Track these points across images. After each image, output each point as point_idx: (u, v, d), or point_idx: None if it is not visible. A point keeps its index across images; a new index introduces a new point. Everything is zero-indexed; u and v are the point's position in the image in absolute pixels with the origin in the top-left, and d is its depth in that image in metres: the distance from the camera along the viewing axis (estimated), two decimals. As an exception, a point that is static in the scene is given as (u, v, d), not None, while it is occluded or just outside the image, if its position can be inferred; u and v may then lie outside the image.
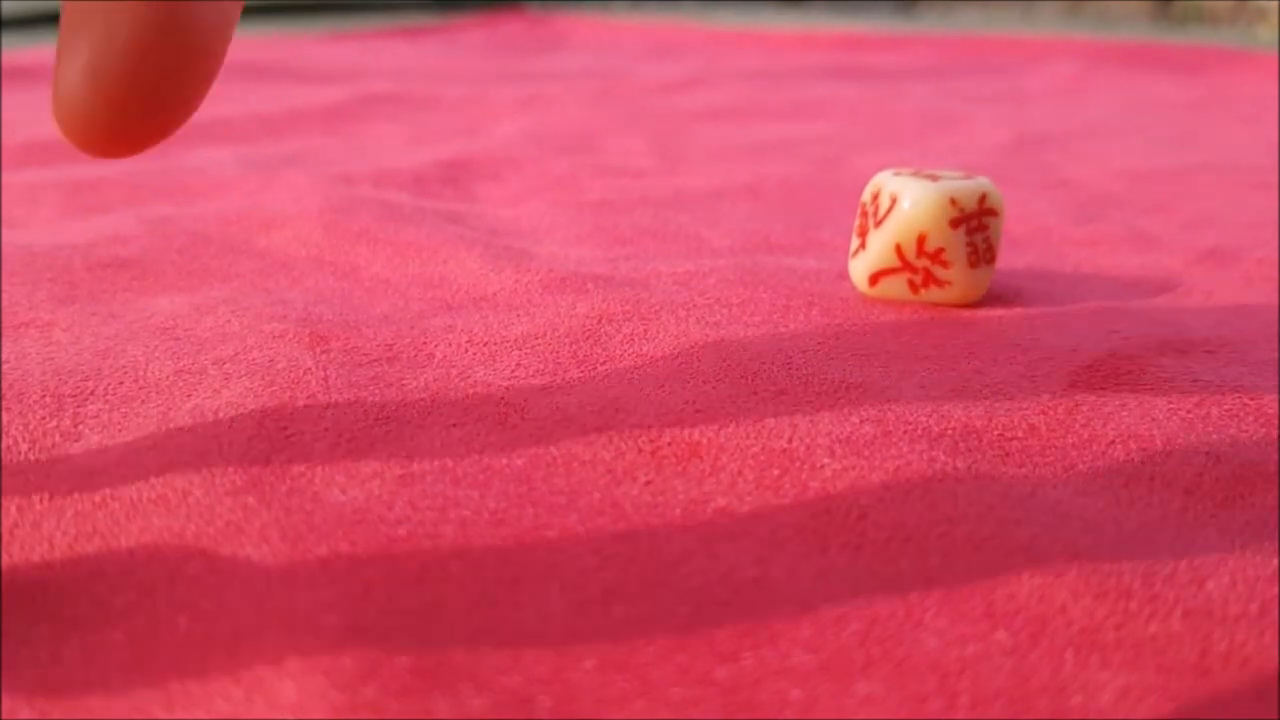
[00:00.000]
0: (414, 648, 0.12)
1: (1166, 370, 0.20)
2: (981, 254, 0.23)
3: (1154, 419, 0.18)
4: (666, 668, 0.12)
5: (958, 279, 0.23)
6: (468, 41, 0.89)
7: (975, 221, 0.23)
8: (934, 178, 0.23)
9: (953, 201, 0.23)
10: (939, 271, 0.23)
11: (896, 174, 0.24)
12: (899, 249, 0.23)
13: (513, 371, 0.20)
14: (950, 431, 0.17)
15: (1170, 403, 0.18)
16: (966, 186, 0.23)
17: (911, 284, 0.23)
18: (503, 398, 0.19)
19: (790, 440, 0.17)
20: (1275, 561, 0.14)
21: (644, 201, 0.34)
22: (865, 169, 0.40)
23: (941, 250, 0.23)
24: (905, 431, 0.17)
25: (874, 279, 0.24)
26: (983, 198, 0.23)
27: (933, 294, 0.24)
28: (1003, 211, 0.23)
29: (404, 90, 0.57)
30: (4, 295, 0.24)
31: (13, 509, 0.15)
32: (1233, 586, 0.13)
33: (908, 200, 0.23)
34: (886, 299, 0.24)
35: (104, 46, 0.13)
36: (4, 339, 0.21)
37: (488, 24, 1.03)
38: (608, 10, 1.21)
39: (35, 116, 0.48)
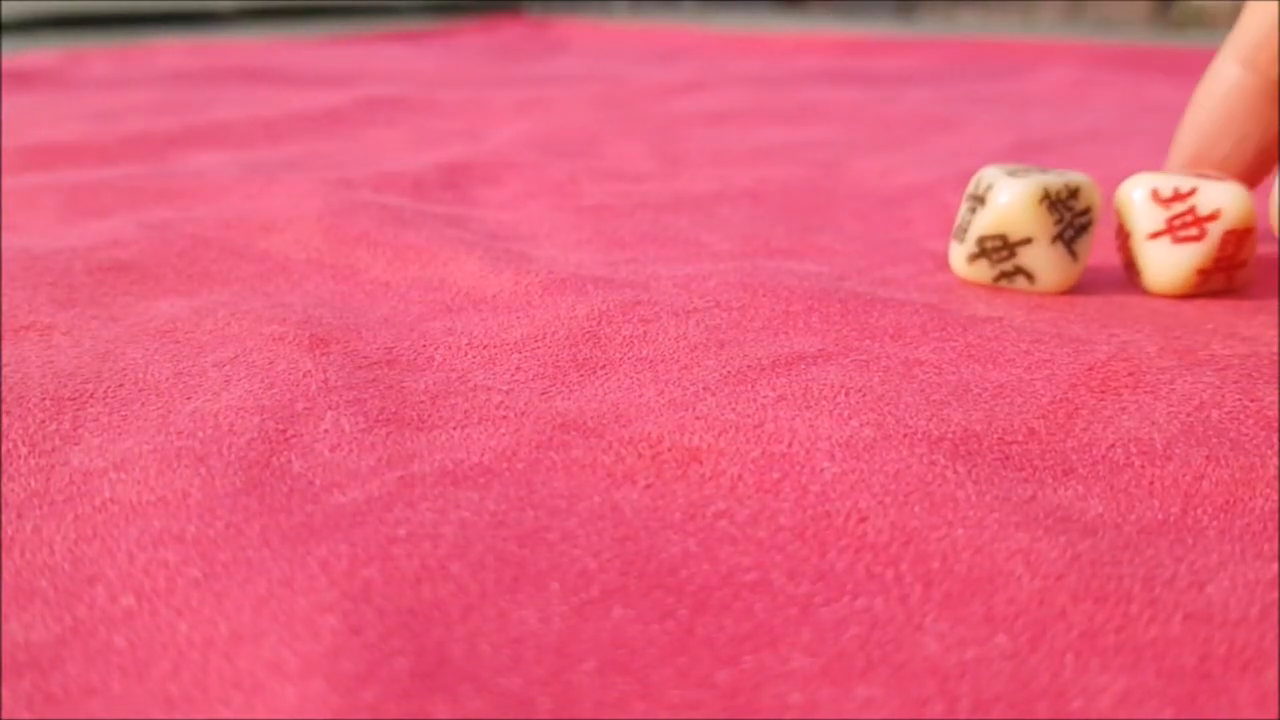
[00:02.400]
0: (413, 650, 0.12)
1: (1167, 373, 0.20)
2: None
3: (1154, 422, 0.18)
4: (666, 670, 0.12)
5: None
6: (467, 46, 0.89)
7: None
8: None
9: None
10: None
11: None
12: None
13: (512, 375, 0.20)
14: (950, 435, 0.17)
15: (1170, 406, 0.18)
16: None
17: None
18: (502, 401, 0.19)
19: (790, 444, 0.17)
20: (1275, 566, 0.14)
21: (643, 205, 0.34)
22: (865, 173, 0.40)
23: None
24: (905, 435, 0.17)
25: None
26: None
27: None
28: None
29: (404, 94, 0.57)
30: (4, 299, 0.24)
31: (13, 512, 0.15)
32: (1233, 590, 0.13)
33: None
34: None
35: None
36: (4, 342, 0.21)
37: (487, 28, 1.03)
38: (607, 14, 1.21)
39: (35, 121, 0.48)
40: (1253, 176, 0.27)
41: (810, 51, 0.88)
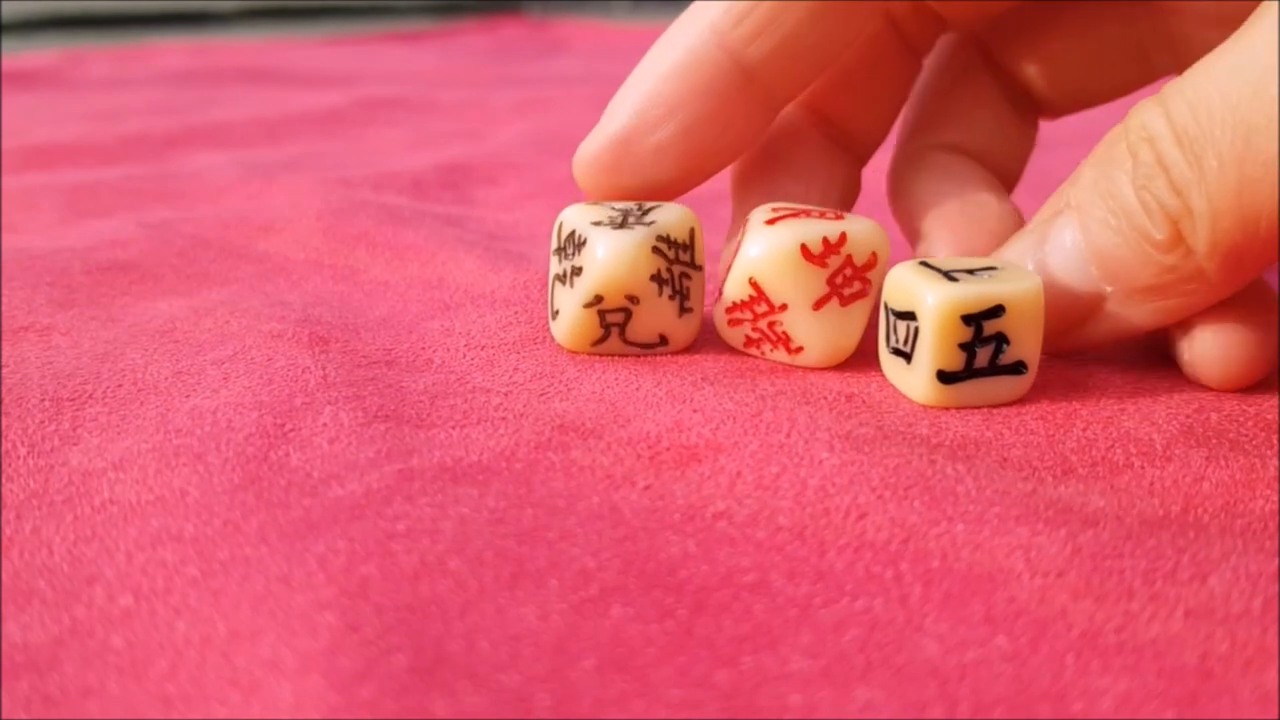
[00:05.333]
0: (411, 646, 0.12)
1: (1166, 376, 0.20)
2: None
3: (1154, 423, 0.18)
4: (666, 669, 0.12)
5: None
6: (467, 46, 0.89)
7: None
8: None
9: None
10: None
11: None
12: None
13: (510, 376, 0.20)
14: (949, 441, 0.17)
15: (1170, 409, 0.18)
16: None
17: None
18: (500, 403, 0.19)
19: (789, 435, 0.17)
20: (1277, 562, 0.14)
21: (643, 206, 0.34)
22: (865, 173, 0.40)
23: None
24: (904, 436, 0.17)
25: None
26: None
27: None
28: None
29: (403, 94, 0.57)
30: (3, 299, 0.24)
31: (12, 513, 0.15)
32: (1235, 582, 0.13)
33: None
34: None
35: None
36: (3, 343, 0.21)
37: (487, 29, 1.04)
38: (607, 14, 1.21)
39: (34, 121, 0.48)
40: (685, 179, 0.21)
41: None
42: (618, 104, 0.21)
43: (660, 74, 0.20)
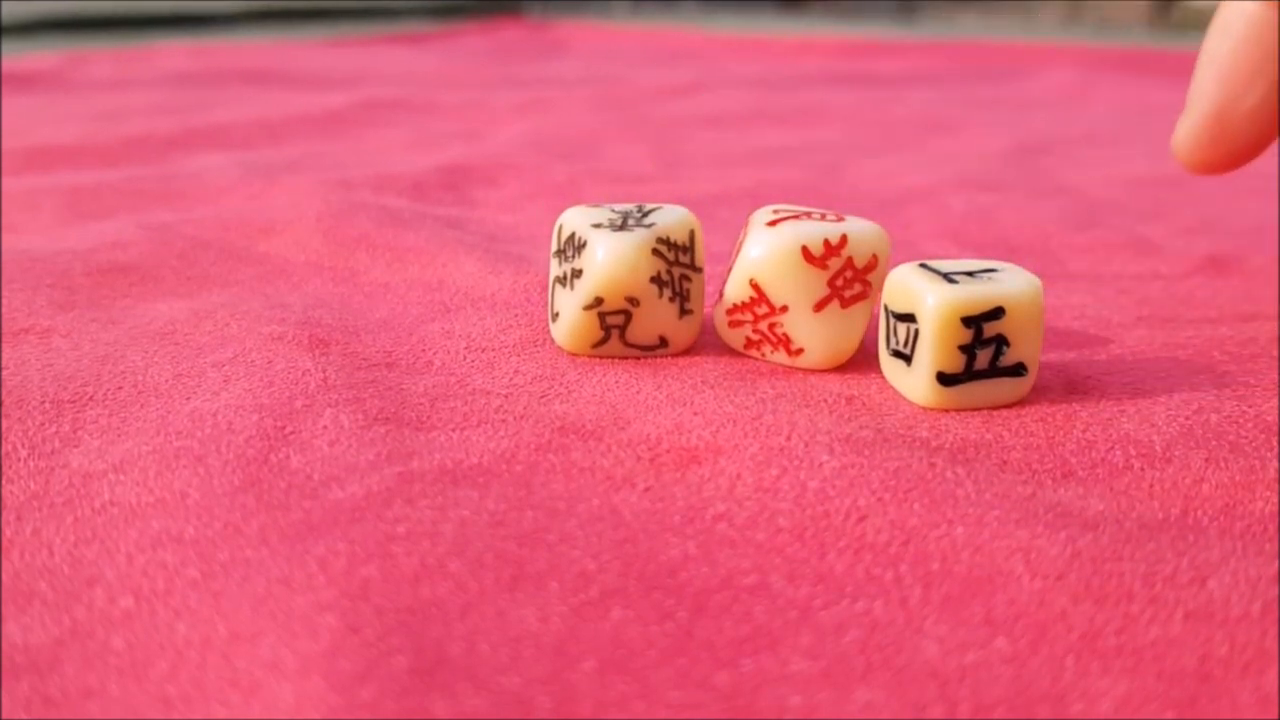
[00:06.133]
0: (412, 648, 0.12)
1: (1166, 377, 0.20)
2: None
3: (1153, 424, 0.18)
4: (666, 671, 0.12)
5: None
6: (468, 48, 0.89)
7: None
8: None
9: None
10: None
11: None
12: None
13: (511, 379, 0.20)
14: (949, 444, 0.17)
15: (1169, 411, 0.18)
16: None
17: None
18: (501, 405, 0.19)
19: (789, 438, 0.17)
20: (1276, 565, 0.14)
21: (644, 207, 0.34)
22: (865, 175, 0.40)
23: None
24: (904, 439, 0.17)
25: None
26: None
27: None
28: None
29: (404, 96, 0.57)
30: (4, 301, 0.24)
31: (12, 515, 0.15)
32: (1234, 586, 0.13)
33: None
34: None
35: None
36: (4, 345, 0.21)
37: (488, 30, 1.04)
38: (607, 15, 1.21)
39: (36, 122, 0.48)
40: (1276, 133, 0.22)
41: (811, 53, 0.88)
42: (1198, 87, 0.23)
43: (1228, 50, 0.22)
